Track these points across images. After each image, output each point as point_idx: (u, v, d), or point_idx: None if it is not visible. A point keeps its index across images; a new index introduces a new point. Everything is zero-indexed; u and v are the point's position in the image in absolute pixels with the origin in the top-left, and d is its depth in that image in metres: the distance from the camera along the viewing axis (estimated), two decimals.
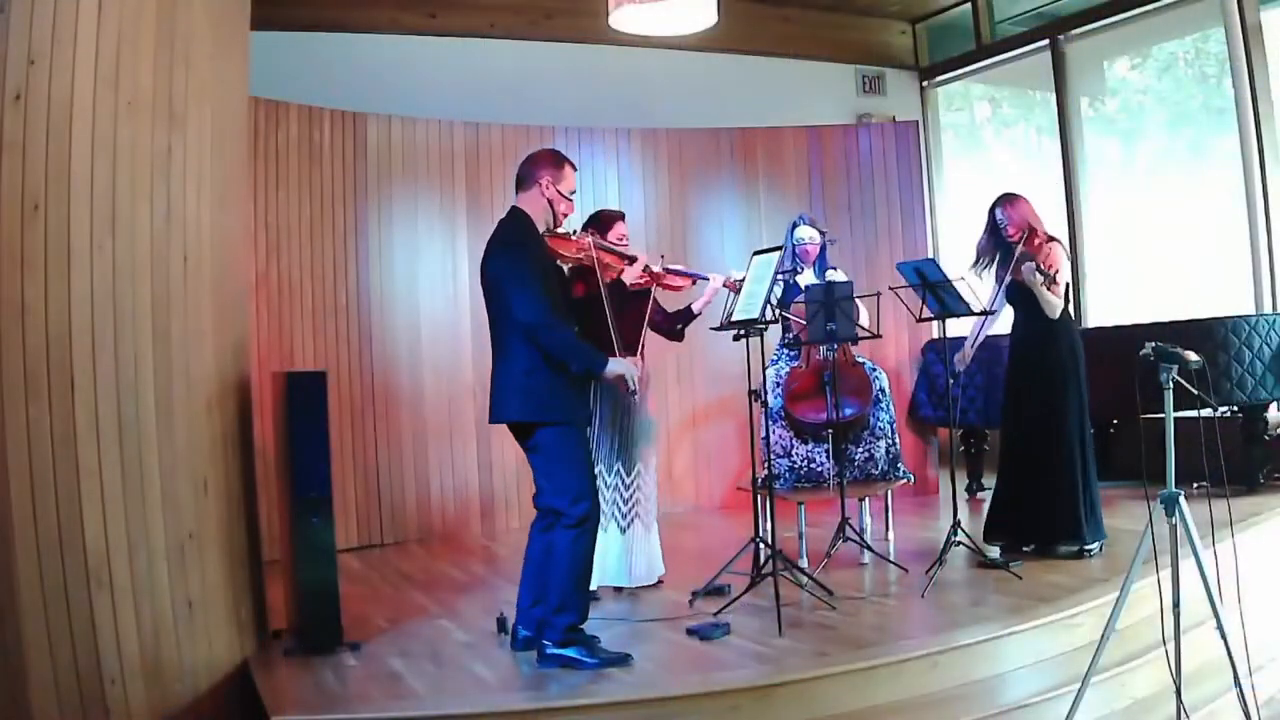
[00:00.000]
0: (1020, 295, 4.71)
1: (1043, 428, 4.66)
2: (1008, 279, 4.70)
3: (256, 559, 3.97)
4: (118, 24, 3.10)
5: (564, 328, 3.57)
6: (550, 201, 3.68)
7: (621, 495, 4.56)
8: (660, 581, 4.67)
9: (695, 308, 4.69)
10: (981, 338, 5.01)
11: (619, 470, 4.55)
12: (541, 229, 3.73)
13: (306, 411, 3.80)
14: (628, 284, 4.39)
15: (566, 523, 3.56)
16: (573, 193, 3.74)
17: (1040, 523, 4.70)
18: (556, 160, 3.72)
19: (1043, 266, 4.48)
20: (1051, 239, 4.71)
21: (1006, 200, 4.76)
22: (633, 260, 4.42)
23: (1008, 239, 4.73)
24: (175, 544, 3.31)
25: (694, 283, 4.69)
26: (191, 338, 3.48)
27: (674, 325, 4.68)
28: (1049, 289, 4.54)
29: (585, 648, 3.50)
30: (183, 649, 3.30)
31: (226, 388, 3.78)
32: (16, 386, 2.85)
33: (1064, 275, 4.61)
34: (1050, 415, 4.64)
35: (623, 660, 3.49)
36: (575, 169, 3.77)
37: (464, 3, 7.15)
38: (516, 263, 3.55)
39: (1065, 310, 4.68)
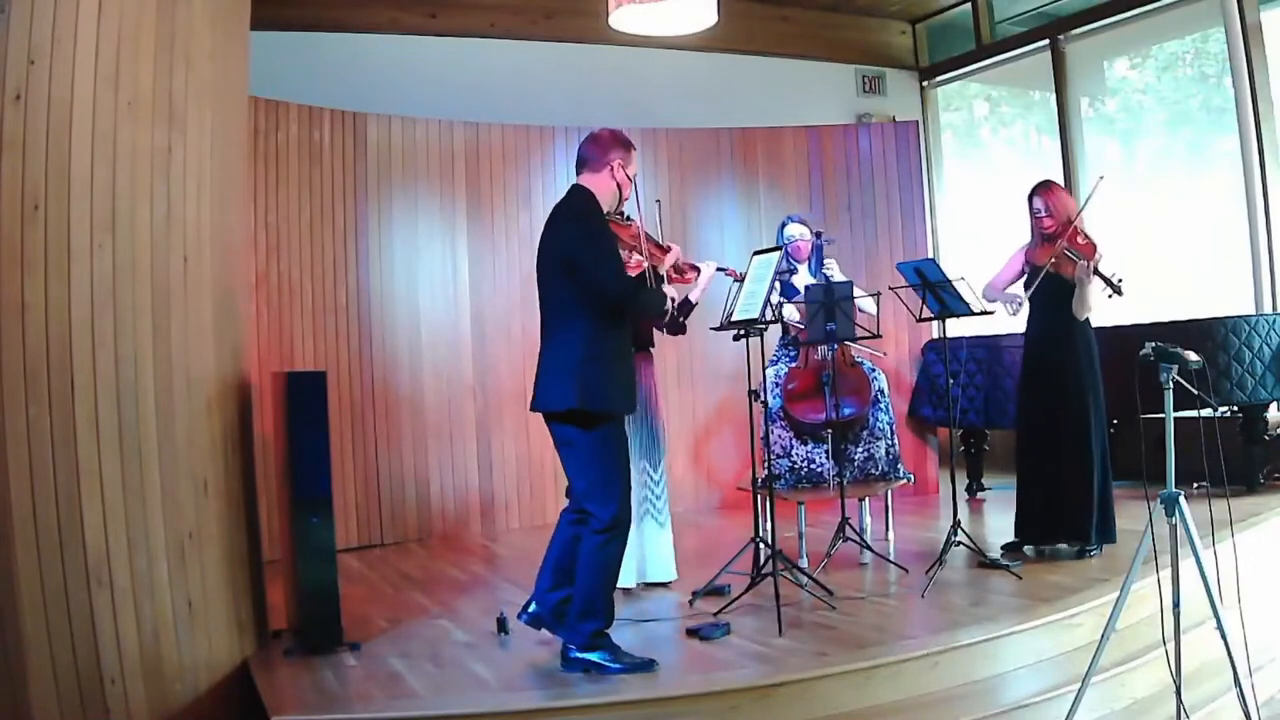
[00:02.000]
0: (1042, 290, 4.55)
1: (1058, 428, 4.62)
2: (1044, 270, 4.50)
3: (256, 559, 3.97)
4: (118, 24, 3.10)
5: (640, 287, 3.66)
6: (619, 185, 3.61)
7: (653, 491, 4.59)
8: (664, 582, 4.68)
9: (693, 297, 4.59)
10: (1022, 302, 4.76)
11: (645, 468, 4.57)
12: (606, 210, 3.64)
13: (306, 411, 3.80)
14: (663, 272, 4.34)
15: (596, 527, 3.48)
16: (635, 175, 3.69)
17: (1052, 520, 4.68)
18: (625, 142, 3.64)
19: (1103, 271, 4.29)
20: (1088, 237, 4.53)
21: (1044, 188, 4.62)
22: (668, 250, 4.37)
23: (1043, 229, 4.60)
24: (175, 544, 3.31)
25: (697, 274, 4.67)
26: (191, 338, 3.48)
27: (675, 318, 4.64)
28: (1106, 296, 4.38)
29: (609, 652, 3.45)
30: (183, 649, 3.30)
31: (226, 388, 3.77)
32: (16, 386, 2.86)
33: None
34: (1066, 415, 4.60)
35: (647, 665, 3.44)
36: (637, 150, 3.73)
37: (464, 3, 7.15)
38: (596, 235, 3.49)
39: None
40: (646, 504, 4.59)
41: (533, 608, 3.76)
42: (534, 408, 3.56)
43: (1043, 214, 4.61)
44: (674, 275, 4.53)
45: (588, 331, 3.43)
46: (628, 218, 4.22)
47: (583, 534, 3.54)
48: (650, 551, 4.59)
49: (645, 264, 4.08)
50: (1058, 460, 4.63)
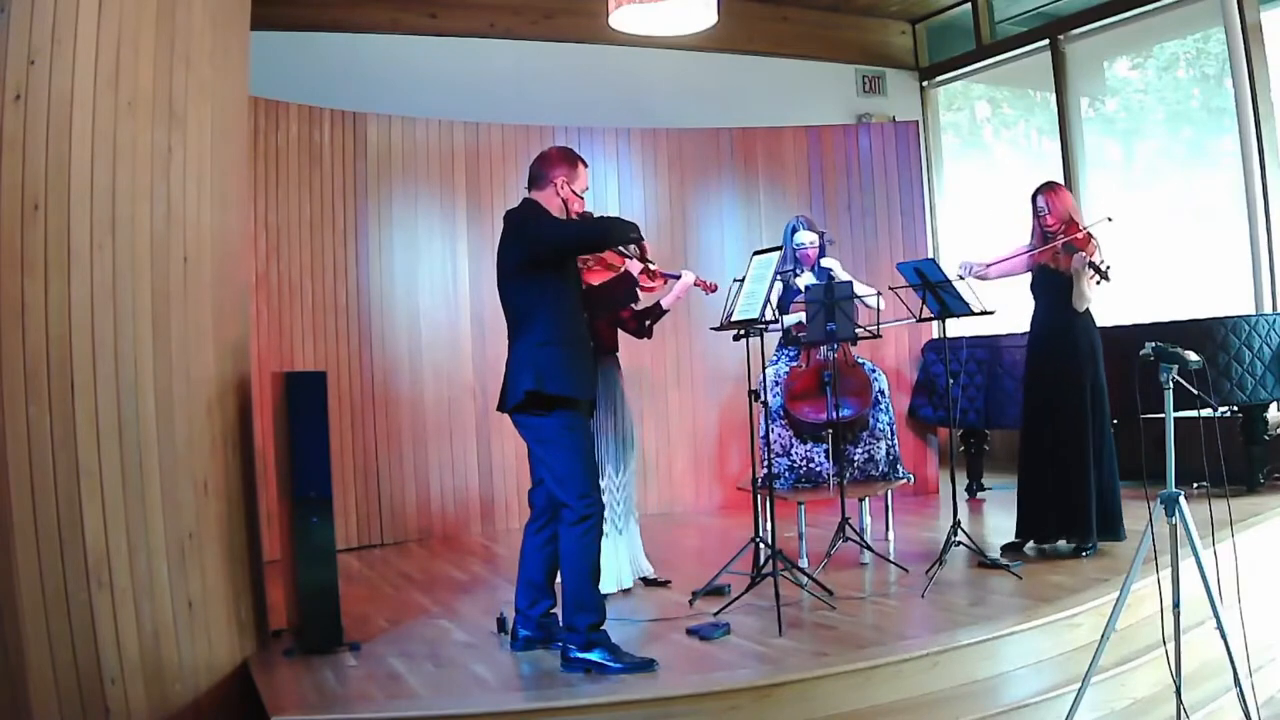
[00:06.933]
0: (1044, 286, 4.68)
1: (1060, 422, 4.64)
2: (1030, 261, 4.65)
3: (256, 559, 3.97)
4: (118, 24, 3.10)
5: (596, 219, 3.82)
6: (565, 200, 3.71)
7: (614, 496, 4.56)
8: (663, 581, 4.67)
9: (664, 304, 4.66)
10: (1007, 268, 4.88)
11: (609, 473, 4.55)
12: None
13: (306, 411, 3.80)
14: (635, 275, 4.39)
15: (571, 519, 3.51)
16: (585, 190, 3.77)
17: (1053, 518, 4.70)
18: (570, 159, 3.74)
19: (1094, 260, 4.43)
20: (1089, 235, 4.65)
21: (1048, 188, 4.75)
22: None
23: (1045, 226, 4.71)
24: (175, 544, 3.31)
25: (666, 282, 4.68)
26: (191, 338, 3.48)
27: (642, 322, 4.66)
28: (1094, 283, 4.49)
29: (609, 651, 3.46)
30: (183, 649, 3.30)
31: (226, 388, 3.77)
32: (16, 386, 2.85)
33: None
34: (1068, 410, 4.62)
35: (647, 665, 3.45)
36: (587, 166, 3.80)
37: (464, 3, 7.15)
38: (536, 219, 3.61)
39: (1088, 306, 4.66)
40: (628, 505, 4.57)
41: (521, 632, 3.78)
42: (499, 408, 3.67)
43: (1045, 213, 4.71)
44: (645, 281, 4.55)
45: (544, 321, 3.56)
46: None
47: (560, 530, 3.59)
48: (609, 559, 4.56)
49: (619, 268, 4.18)
50: (1056, 456, 4.64)
